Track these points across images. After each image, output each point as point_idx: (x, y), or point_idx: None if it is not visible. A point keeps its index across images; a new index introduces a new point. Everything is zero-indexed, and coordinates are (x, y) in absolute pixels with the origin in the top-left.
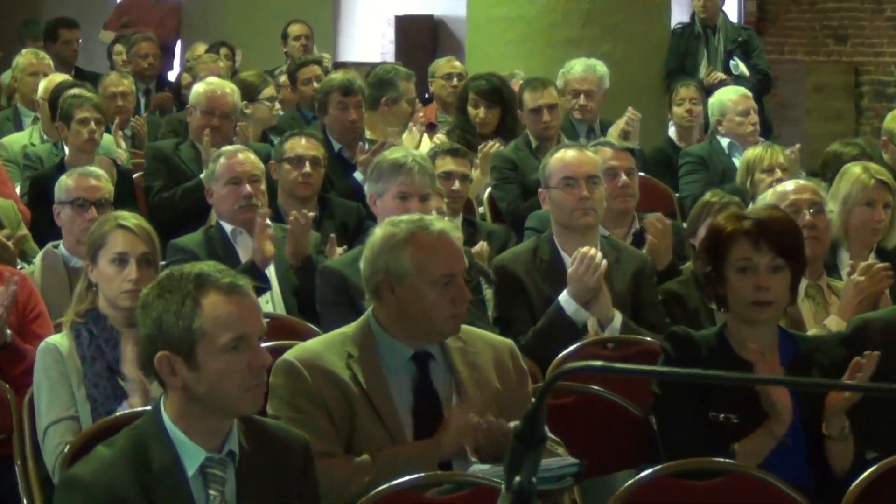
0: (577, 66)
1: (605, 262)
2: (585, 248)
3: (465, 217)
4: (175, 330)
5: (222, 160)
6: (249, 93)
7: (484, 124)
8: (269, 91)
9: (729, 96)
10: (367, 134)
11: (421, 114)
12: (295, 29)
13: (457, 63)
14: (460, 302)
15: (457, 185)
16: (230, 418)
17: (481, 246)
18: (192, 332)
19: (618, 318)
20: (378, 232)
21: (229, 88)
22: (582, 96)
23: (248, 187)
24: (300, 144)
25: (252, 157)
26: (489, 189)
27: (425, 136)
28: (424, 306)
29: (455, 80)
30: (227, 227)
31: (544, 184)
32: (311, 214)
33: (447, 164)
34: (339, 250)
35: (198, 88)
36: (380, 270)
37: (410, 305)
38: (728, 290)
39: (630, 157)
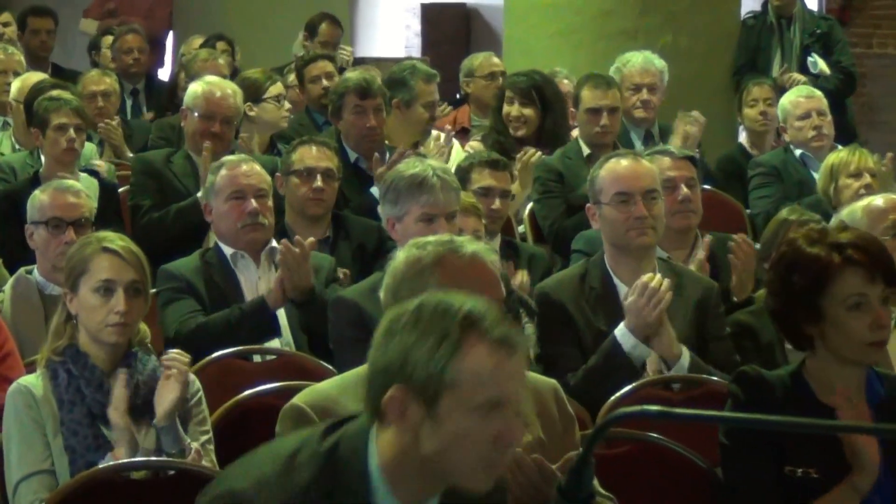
0: (636, 58)
1: (669, 292)
2: (647, 277)
3: (504, 238)
4: (423, 370)
5: (223, 172)
6: (253, 93)
7: (519, 124)
8: (275, 89)
9: (789, 98)
10: (388, 142)
11: (452, 118)
12: (326, 29)
13: (497, 59)
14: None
15: (497, 203)
16: (444, 487)
17: (521, 275)
18: (442, 379)
19: (685, 356)
20: (401, 256)
21: (231, 89)
22: (644, 90)
23: (254, 203)
24: (310, 154)
25: (258, 168)
26: (530, 205)
27: (456, 144)
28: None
29: (500, 80)
30: (227, 251)
31: (594, 199)
32: (310, 240)
33: (485, 179)
34: (341, 274)
35: (195, 89)
36: (402, 299)
37: None
38: (830, 329)
39: (691, 167)
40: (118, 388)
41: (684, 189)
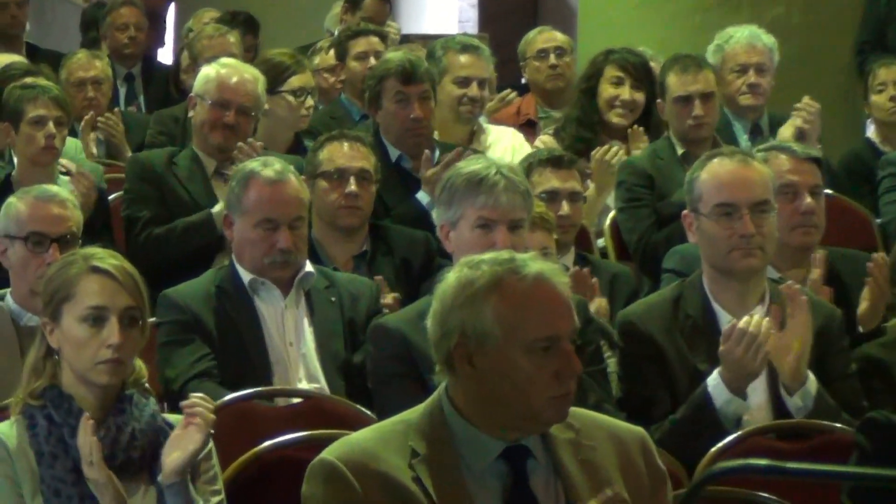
0: (741, 34)
1: (771, 335)
2: (745, 320)
3: (579, 254)
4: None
5: (254, 192)
6: (273, 79)
7: (626, 112)
8: (298, 80)
9: None
10: (438, 136)
11: (515, 108)
12: (373, 4)
13: (556, 34)
14: (567, 376)
15: (565, 208)
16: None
17: (599, 304)
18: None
19: (811, 382)
20: (451, 277)
21: (251, 74)
22: (752, 72)
23: (287, 236)
24: (341, 152)
25: (297, 186)
26: (612, 214)
27: (523, 139)
28: (516, 382)
29: (553, 58)
30: (245, 276)
31: (692, 206)
32: (392, 296)
33: (548, 181)
34: (390, 298)
35: (207, 72)
36: (453, 332)
37: (496, 381)
38: None
39: (816, 171)
40: (83, 435)
41: (808, 199)
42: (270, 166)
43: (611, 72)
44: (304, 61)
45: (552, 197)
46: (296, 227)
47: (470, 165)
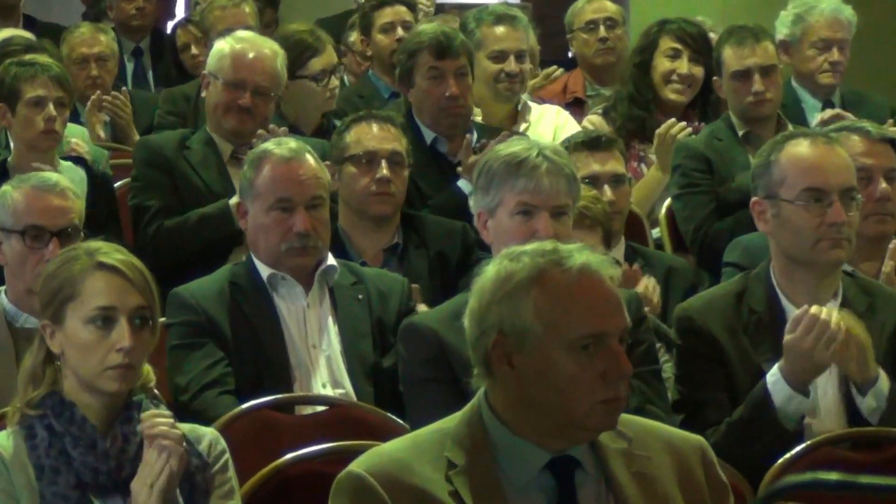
0: (825, 5)
1: (842, 328)
2: (815, 309)
3: (628, 244)
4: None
5: (267, 169)
6: (292, 62)
7: (684, 87)
8: (319, 62)
9: None
10: (478, 117)
11: (561, 84)
12: None
13: (606, 3)
14: (615, 378)
15: (608, 193)
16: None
17: (646, 284)
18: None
19: (883, 380)
20: (490, 271)
21: (270, 49)
22: (835, 49)
23: (305, 219)
24: (370, 134)
25: (313, 165)
26: (668, 202)
27: (569, 119)
28: (558, 385)
29: (602, 30)
30: (264, 271)
31: (767, 191)
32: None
33: (586, 165)
34: (422, 308)
35: (220, 47)
36: (491, 329)
37: (537, 384)
38: None
39: (891, 152)
40: (153, 454)
41: (882, 184)
42: (284, 145)
43: (666, 43)
44: (325, 37)
45: (593, 182)
46: (314, 208)
47: (509, 147)
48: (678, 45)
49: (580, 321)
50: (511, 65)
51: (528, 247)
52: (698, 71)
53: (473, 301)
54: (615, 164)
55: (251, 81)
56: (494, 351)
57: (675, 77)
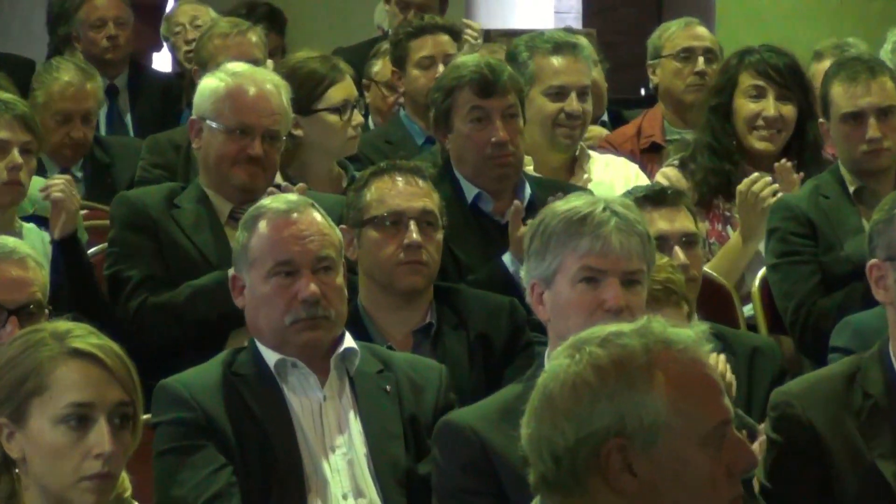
0: None
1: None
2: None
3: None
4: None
5: (263, 227)
6: (306, 95)
7: (773, 132)
8: (338, 92)
9: None
10: (529, 167)
11: (635, 126)
12: None
13: (705, 31)
14: (740, 471)
15: (679, 255)
16: None
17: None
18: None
19: None
20: (555, 366)
21: (272, 83)
22: None
23: (313, 285)
24: (395, 190)
25: (319, 219)
26: (762, 272)
27: (638, 172)
28: (695, 487)
29: (701, 62)
30: (270, 357)
31: (890, 251)
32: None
33: (652, 222)
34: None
35: (212, 86)
36: (603, 431)
37: (670, 491)
38: None
39: None
40: None
41: None
42: (282, 198)
43: (747, 80)
44: (343, 66)
45: (660, 244)
46: (323, 271)
47: (569, 202)
48: (761, 82)
49: (711, 411)
50: (573, 104)
51: (617, 327)
52: (789, 111)
53: (539, 401)
54: (685, 222)
55: (259, 125)
56: (611, 458)
57: (760, 122)
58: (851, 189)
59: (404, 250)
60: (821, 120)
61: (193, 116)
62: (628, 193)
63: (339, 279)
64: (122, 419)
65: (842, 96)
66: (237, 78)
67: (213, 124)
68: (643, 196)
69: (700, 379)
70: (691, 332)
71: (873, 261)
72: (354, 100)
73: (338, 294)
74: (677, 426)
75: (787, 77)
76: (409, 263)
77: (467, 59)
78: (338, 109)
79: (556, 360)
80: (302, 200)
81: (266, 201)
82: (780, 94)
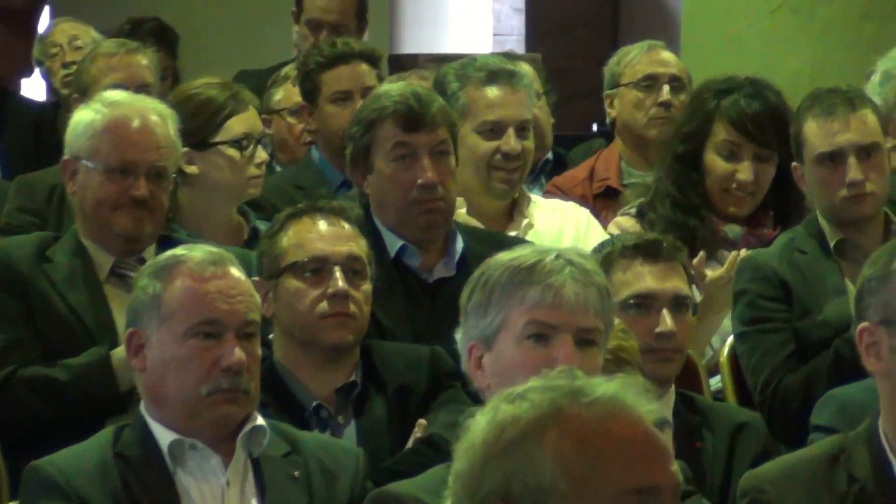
0: None
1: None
2: None
3: (680, 393)
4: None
5: (180, 281)
6: (202, 126)
7: (745, 195)
8: (239, 123)
9: None
10: (463, 211)
11: (587, 168)
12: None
13: (671, 55)
14: None
15: (667, 322)
16: None
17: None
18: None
19: None
20: (481, 420)
21: (156, 112)
22: None
23: (238, 351)
24: (317, 233)
25: (240, 278)
26: (730, 340)
27: (591, 219)
28: None
29: (666, 92)
30: (164, 437)
31: (885, 314)
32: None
33: (640, 279)
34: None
35: (86, 119)
36: (492, 496)
37: None
38: None
39: None
40: None
41: None
42: (200, 248)
43: (721, 132)
44: (246, 96)
45: (646, 305)
46: (247, 338)
47: (516, 251)
48: (737, 139)
49: (619, 474)
50: (510, 141)
51: (533, 383)
52: (766, 171)
53: (460, 462)
54: (678, 282)
55: (143, 162)
56: None
57: (733, 185)
58: (832, 242)
59: (329, 301)
60: (794, 164)
61: (66, 156)
62: (609, 243)
63: (260, 349)
64: None
65: (817, 134)
66: (115, 108)
67: (90, 164)
68: (633, 245)
69: (608, 438)
70: (614, 384)
71: (864, 324)
72: (259, 133)
73: (258, 366)
74: (570, 490)
75: (767, 130)
76: (334, 316)
77: (391, 88)
78: (238, 143)
79: (473, 420)
80: (224, 253)
81: (182, 251)
82: (759, 154)
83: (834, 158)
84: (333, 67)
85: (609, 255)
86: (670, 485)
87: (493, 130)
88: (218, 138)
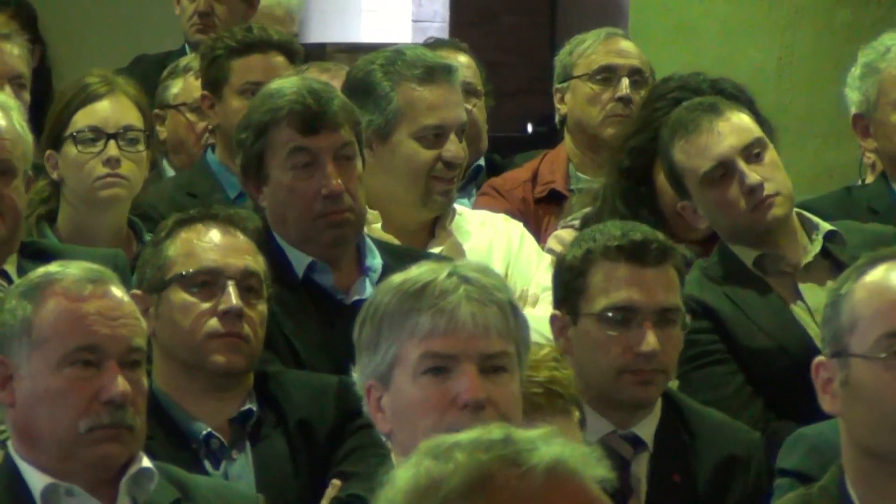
0: None
1: None
2: None
3: (670, 402)
4: None
5: (57, 296)
6: (55, 123)
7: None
8: (94, 112)
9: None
10: (377, 226)
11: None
12: None
13: (631, 45)
14: None
15: (650, 340)
16: None
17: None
18: None
19: None
20: (402, 477)
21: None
22: None
23: (121, 381)
24: (209, 244)
25: (127, 299)
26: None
27: (524, 232)
28: None
29: (625, 85)
30: (37, 482)
31: (836, 346)
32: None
33: (617, 288)
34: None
35: None
36: None
37: None
38: None
39: None
40: None
41: None
42: (76, 264)
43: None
44: (120, 82)
45: (626, 318)
46: (130, 367)
47: (408, 272)
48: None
49: None
50: (453, 148)
51: (464, 435)
52: None
53: None
54: (666, 293)
55: None
56: None
57: (685, 211)
58: (749, 262)
59: (220, 319)
60: (680, 204)
61: None
62: (594, 236)
63: (146, 379)
64: None
65: (690, 156)
66: None
67: None
68: (616, 247)
69: None
70: (556, 447)
71: (819, 359)
72: (117, 128)
73: (144, 398)
74: None
75: None
76: (225, 336)
77: (283, 85)
78: (74, 137)
79: (399, 470)
80: (104, 271)
81: (54, 268)
82: None
83: (720, 173)
84: (245, 55)
85: (589, 255)
86: None
87: (437, 136)
88: (66, 132)
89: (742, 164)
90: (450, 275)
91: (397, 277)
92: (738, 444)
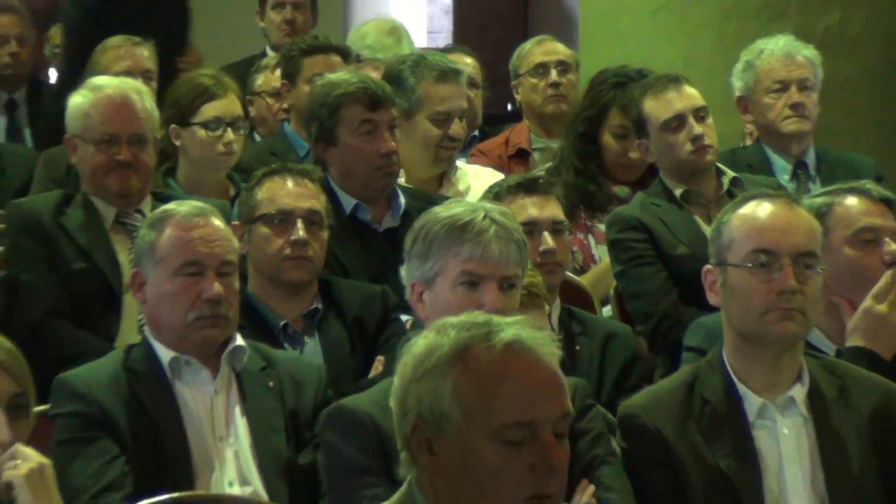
0: (774, 45)
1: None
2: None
3: (564, 307)
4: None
5: (170, 230)
6: (185, 108)
7: (635, 166)
8: (212, 108)
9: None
10: (402, 180)
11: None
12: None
13: (558, 45)
14: (543, 473)
15: (547, 241)
16: None
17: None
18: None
19: None
20: (417, 345)
21: (133, 90)
22: (794, 89)
23: (217, 285)
24: (285, 191)
25: (221, 227)
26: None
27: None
28: (480, 479)
29: (554, 74)
30: (164, 354)
31: (718, 257)
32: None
33: (523, 209)
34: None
35: (76, 102)
36: (410, 412)
37: (459, 476)
38: None
39: (888, 213)
40: None
41: (892, 245)
42: (188, 203)
43: (616, 117)
44: (228, 83)
45: (530, 229)
46: (225, 276)
47: (451, 209)
48: (629, 124)
49: (506, 407)
50: (456, 128)
51: (458, 318)
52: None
53: (396, 379)
54: (554, 210)
55: (124, 132)
56: (414, 437)
57: (625, 160)
58: (678, 193)
59: (291, 246)
60: (638, 142)
61: (67, 135)
62: (500, 183)
63: (237, 283)
64: (16, 409)
65: (657, 108)
66: (98, 91)
67: (83, 139)
68: (516, 184)
69: (501, 378)
70: (524, 330)
71: (707, 266)
72: (231, 118)
73: (236, 297)
74: (462, 419)
75: None
76: (294, 259)
77: (344, 76)
78: (207, 125)
79: (411, 342)
80: (207, 207)
81: (173, 206)
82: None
83: (677, 121)
84: (313, 55)
85: (498, 193)
86: (550, 416)
87: (445, 119)
88: (195, 119)
89: (692, 120)
90: (484, 217)
91: (444, 212)
92: (615, 326)
